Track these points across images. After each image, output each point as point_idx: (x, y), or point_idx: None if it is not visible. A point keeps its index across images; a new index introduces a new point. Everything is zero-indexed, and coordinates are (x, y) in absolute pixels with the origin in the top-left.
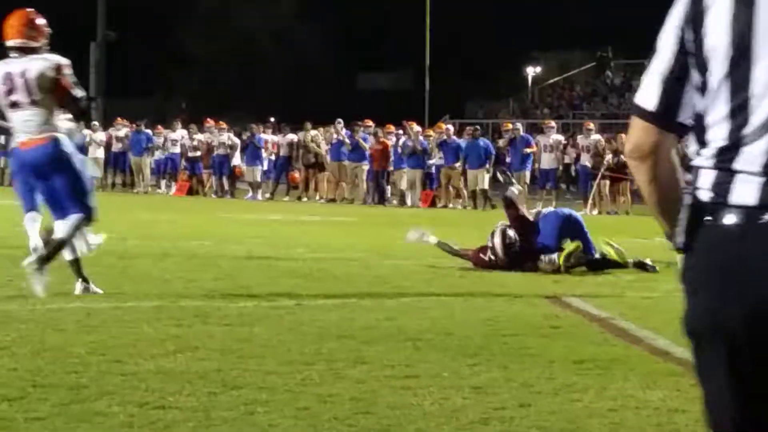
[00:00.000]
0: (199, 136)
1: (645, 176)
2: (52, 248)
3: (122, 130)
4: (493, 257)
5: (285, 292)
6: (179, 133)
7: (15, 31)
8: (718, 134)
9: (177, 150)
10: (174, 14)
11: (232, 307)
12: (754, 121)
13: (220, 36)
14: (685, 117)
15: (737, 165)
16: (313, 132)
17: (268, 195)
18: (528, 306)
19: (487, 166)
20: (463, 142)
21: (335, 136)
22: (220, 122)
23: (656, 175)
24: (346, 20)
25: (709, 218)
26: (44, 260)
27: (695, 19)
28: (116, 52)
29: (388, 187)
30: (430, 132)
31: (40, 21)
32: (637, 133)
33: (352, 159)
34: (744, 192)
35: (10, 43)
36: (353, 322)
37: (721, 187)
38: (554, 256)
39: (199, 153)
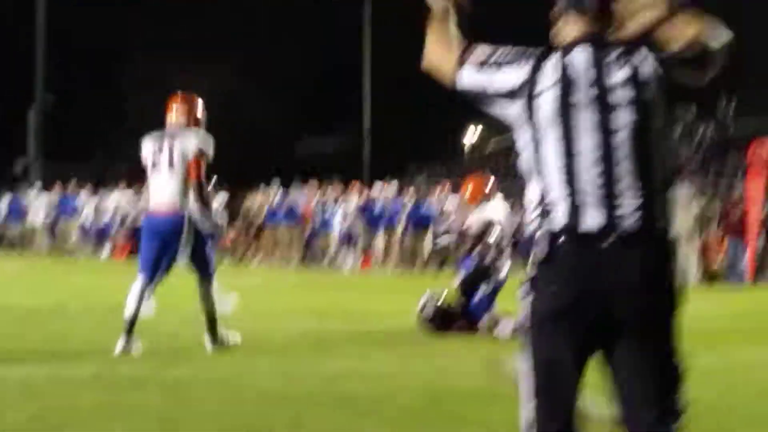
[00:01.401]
0: (139, 200)
1: None
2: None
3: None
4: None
5: (224, 357)
6: (115, 196)
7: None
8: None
9: (111, 213)
10: (117, 78)
11: (169, 375)
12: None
13: (162, 98)
14: None
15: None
16: (254, 195)
17: None
18: (468, 371)
19: (427, 231)
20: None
21: (273, 199)
22: None
23: None
24: (288, 83)
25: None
26: (212, 334)
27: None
28: (56, 115)
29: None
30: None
31: (199, 104)
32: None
33: (289, 222)
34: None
35: (169, 119)
36: (293, 388)
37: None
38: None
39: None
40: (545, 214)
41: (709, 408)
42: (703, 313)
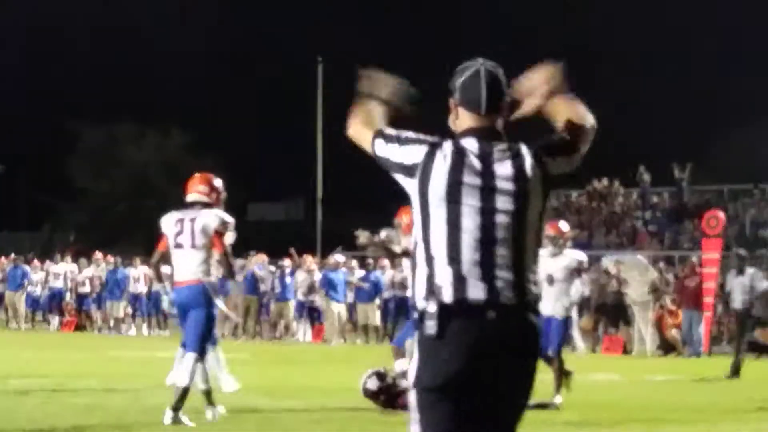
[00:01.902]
0: (89, 271)
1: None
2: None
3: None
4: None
5: None
6: (62, 267)
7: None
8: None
9: (59, 284)
10: (63, 149)
11: None
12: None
13: (109, 169)
14: None
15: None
16: None
17: (153, 331)
18: None
19: (377, 301)
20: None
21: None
22: (108, 256)
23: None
24: (237, 151)
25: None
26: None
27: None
28: (3, 185)
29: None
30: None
31: (217, 183)
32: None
33: (247, 292)
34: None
35: (189, 198)
36: None
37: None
38: None
39: (88, 288)
40: (432, 287)
41: None
42: (661, 384)
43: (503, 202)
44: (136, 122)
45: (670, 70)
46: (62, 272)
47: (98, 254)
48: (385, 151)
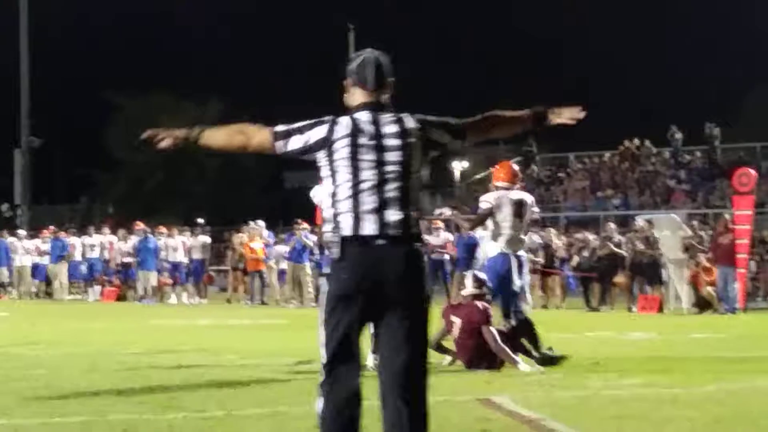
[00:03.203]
0: (133, 241)
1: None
2: None
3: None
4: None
5: (214, 401)
6: (97, 238)
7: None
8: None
9: (96, 254)
10: (100, 121)
11: (161, 420)
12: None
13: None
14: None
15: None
16: (241, 235)
17: (193, 300)
18: (458, 409)
19: None
20: None
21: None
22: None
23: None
24: (272, 119)
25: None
26: None
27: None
28: (41, 158)
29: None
30: None
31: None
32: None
33: (294, 260)
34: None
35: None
36: (283, 431)
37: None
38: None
39: (131, 259)
40: (337, 225)
41: None
42: (698, 340)
43: (391, 156)
44: (172, 93)
45: (702, 28)
46: (97, 243)
47: (139, 224)
48: (288, 145)
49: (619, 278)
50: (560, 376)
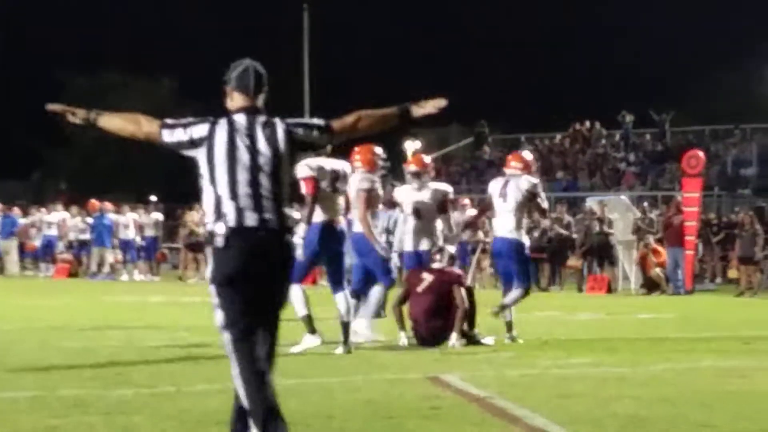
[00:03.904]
0: (89, 220)
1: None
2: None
3: None
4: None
5: (165, 377)
6: (55, 216)
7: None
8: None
9: (54, 232)
10: (52, 95)
11: (111, 396)
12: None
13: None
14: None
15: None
16: (194, 213)
17: (145, 277)
18: (408, 386)
19: None
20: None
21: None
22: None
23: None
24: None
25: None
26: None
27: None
28: None
29: None
30: None
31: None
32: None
33: None
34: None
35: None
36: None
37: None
38: None
39: (88, 236)
40: (220, 217)
41: (652, 415)
42: (646, 321)
43: (264, 158)
44: (122, 71)
45: (651, 12)
46: (55, 221)
47: (95, 205)
48: (173, 136)
49: (573, 261)
50: (510, 355)
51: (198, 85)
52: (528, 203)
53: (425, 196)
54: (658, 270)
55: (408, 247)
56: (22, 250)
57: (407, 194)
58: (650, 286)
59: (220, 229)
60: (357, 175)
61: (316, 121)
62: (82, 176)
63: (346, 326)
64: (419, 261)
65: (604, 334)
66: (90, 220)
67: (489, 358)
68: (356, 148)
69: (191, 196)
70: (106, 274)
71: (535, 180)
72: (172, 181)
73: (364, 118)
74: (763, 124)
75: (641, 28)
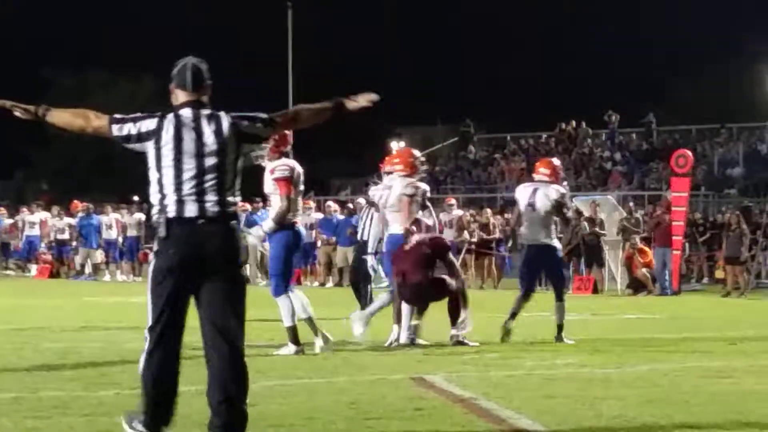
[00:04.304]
0: (69, 220)
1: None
2: None
3: None
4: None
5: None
6: (38, 216)
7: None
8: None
9: (36, 232)
10: (34, 96)
11: (92, 397)
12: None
13: None
14: None
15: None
16: None
17: (128, 277)
18: (392, 387)
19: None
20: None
21: None
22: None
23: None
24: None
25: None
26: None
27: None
28: None
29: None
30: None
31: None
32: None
33: None
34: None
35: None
36: None
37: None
38: None
39: (67, 236)
40: (162, 208)
41: (637, 415)
42: (632, 321)
43: (209, 149)
44: (107, 69)
45: (638, 12)
46: (37, 221)
47: (76, 205)
48: (122, 131)
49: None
50: (495, 356)
51: None
52: (556, 211)
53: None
54: (644, 270)
55: (385, 234)
56: (7, 250)
57: (383, 193)
58: (636, 286)
59: (162, 219)
60: (399, 180)
61: (260, 114)
62: (64, 176)
63: (310, 321)
64: (397, 241)
65: (590, 335)
66: (71, 220)
67: (473, 359)
68: (395, 152)
69: None
70: (88, 275)
71: (564, 190)
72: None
73: (302, 112)
74: (750, 123)
75: (627, 27)
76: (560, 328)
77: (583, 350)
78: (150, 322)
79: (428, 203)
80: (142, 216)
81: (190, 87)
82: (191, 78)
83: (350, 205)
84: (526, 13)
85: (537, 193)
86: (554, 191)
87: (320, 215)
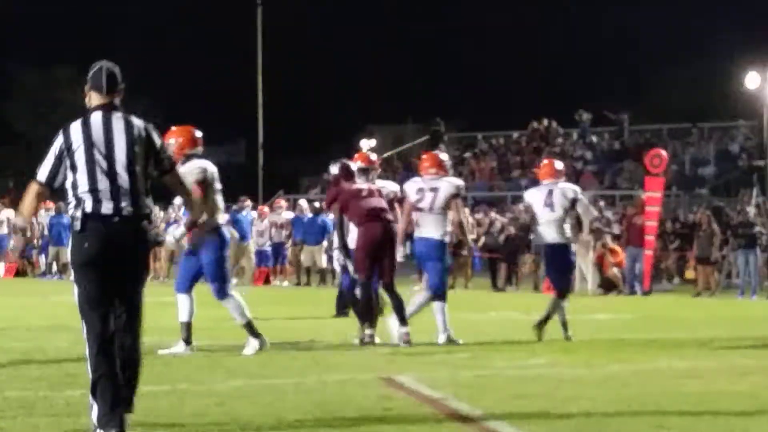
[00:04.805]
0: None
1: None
2: None
3: None
4: None
5: None
6: (5, 213)
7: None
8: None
9: (4, 231)
10: (2, 90)
11: (58, 397)
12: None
13: (48, 113)
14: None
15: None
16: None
17: None
18: (360, 388)
19: (324, 243)
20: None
21: (172, 214)
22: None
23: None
24: (177, 92)
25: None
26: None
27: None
28: None
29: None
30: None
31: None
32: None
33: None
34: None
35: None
36: (182, 409)
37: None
38: None
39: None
40: (79, 204)
41: (608, 415)
42: (603, 322)
43: (120, 151)
44: (74, 65)
45: (607, 11)
46: (4, 219)
47: (49, 204)
48: (49, 173)
49: (526, 263)
50: (465, 356)
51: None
52: (571, 210)
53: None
54: (615, 270)
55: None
56: None
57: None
58: (607, 286)
59: (78, 214)
60: (445, 182)
61: (169, 155)
62: (30, 174)
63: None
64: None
65: (561, 335)
66: (35, 219)
67: (443, 359)
68: (424, 156)
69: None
70: (55, 274)
71: (578, 188)
72: None
73: (179, 188)
74: (721, 123)
75: (598, 26)
76: (564, 325)
77: (554, 350)
78: (80, 312)
79: (396, 205)
80: None
81: (105, 90)
82: (107, 81)
83: (317, 204)
84: (499, 12)
85: (553, 194)
86: (571, 191)
87: (291, 214)
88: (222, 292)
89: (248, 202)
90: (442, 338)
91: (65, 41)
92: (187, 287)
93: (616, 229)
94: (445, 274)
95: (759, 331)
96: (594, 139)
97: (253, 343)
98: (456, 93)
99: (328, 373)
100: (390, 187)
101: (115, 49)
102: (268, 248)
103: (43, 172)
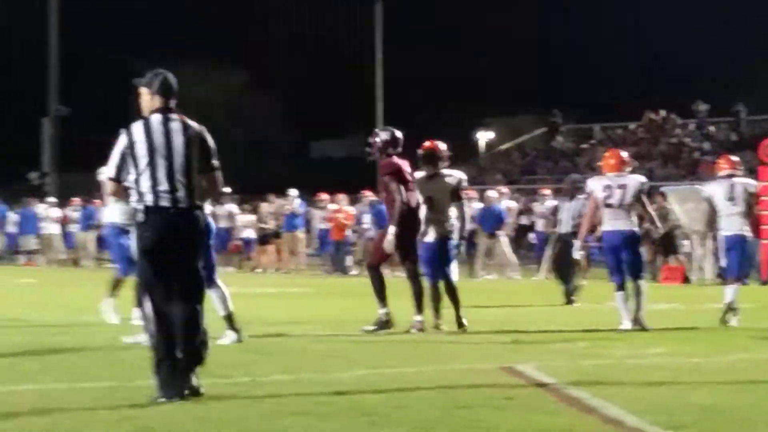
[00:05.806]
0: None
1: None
2: None
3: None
4: None
5: (240, 368)
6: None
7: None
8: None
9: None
10: (127, 87)
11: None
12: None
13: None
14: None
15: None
16: (264, 205)
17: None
18: (482, 376)
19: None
20: None
21: (287, 207)
22: None
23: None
24: (296, 89)
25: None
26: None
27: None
28: (71, 126)
29: (350, 257)
30: None
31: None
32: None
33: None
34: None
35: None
36: (307, 398)
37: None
38: None
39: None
40: (141, 198)
41: (729, 405)
42: (720, 311)
43: (177, 149)
44: (197, 60)
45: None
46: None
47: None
48: (122, 171)
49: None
50: (584, 345)
51: (270, 77)
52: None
53: (439, 183)
54: None
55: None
56: None
57: (420, 182)
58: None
59: (141, 207)
60: (633, 178)
61: (215, 161)
62: None
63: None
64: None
65: (680, 324)
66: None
67: (563, 348)
68: (607, 154)
69: (263, 187)
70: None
71: (755, 182)
72: (245, 172)
73: (210, 192)
74: None
75: (717, 19)
76: (732, 311)
77: (674, 339)
78: (145, 293)
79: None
80: (234, 208)
81: (163, 94)
82: (165, 87)
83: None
84: (615, 3)
85: (735, 187)
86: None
87: None
88: (209, 280)
89: (369, 195)
90: (626, 324)
91: (187, 37)
92: (211, 281)
93: None
94: (645, 263)
95: None
96: (711, 129)
97: (230, 336)
98: (573, 84)
99: (449, 363)
100: (456, 174)
101: (231, 47)
102: None
103: (111, 169)
